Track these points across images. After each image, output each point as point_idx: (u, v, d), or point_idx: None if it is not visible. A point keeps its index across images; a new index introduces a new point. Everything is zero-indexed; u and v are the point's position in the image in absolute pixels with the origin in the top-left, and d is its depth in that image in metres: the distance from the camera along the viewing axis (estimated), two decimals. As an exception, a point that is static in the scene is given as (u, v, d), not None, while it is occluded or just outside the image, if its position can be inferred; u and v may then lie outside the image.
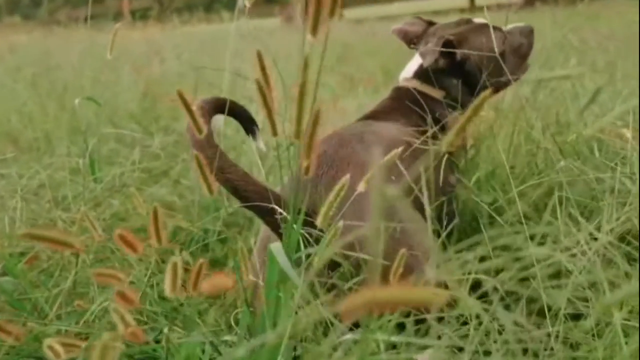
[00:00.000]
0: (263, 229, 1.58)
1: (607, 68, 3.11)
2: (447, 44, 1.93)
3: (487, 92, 0.91)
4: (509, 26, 2.10)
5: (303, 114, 0.82)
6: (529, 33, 2.10)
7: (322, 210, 1.14)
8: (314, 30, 0.90)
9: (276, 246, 1.01)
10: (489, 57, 1.98)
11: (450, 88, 1.97)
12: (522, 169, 1.94)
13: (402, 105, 1.95)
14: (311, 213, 1.39)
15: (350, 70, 3.79)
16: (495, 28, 2.02)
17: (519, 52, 2.07)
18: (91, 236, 1.54)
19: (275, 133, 1.11)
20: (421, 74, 1.98)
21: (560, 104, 2.58)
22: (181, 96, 1.01)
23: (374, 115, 1.94)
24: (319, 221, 1.14)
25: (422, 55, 1.98)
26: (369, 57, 4.24)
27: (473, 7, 14.55)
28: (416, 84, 1.99)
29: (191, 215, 2.32)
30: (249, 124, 1.69)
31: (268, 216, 1.42)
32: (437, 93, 1.97)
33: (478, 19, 2.08)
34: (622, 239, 1.48)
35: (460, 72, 1.98)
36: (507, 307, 1.14)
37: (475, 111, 0.88)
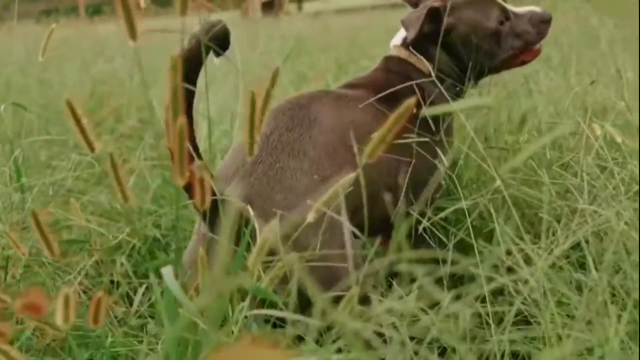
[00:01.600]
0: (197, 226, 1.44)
1: (562, 63, 3.06)
2: (433, 11, 1.80)
3: (410, 100, 0.84)
4: (524, 8, 1.95)
5: (172, 124, 0.74)
6: (539, 22, 1.93)
7: (254, 250, 1.02)
8: (132, 33, 0.81)
9: (167, 271, 0.92)
10: (479, 34, 1.86)
11: (438, 60, 1.83)
12: (473, 175, 1.88)
13: (386, 78, 1.80)
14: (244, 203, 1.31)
15: (304, 67, 3.71)
16: (497, 4, 1.88)
17: (521, 39, 1.91)
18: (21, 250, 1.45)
19: (251, 153, 1.01)
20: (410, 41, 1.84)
21: (514, 102, 2.53)
22: (70, 106, 0.92)
23: (353, 86, 1.79)
24: (250, 260, 1.03)
25: (404, 24, 1.84)
26: (323, 52, 4.16)
27: None
28: (403, 53, 1.86)
29: (133, 223, 2.23)
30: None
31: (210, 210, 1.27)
32: (423, 65, 1.84)
33: None
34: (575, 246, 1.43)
35: (447, 44, 1.84)
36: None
37: (396, 121, 0.81)
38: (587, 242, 1.01)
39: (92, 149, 0.97)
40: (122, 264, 2.00)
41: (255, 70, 3.13)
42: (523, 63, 1.98)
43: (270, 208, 1.34)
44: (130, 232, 2.09)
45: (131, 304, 1.80)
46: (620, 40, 2.73)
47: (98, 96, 3.41)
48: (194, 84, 1.27)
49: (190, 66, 1.27)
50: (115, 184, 1.09)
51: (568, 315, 1.08)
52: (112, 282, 1.99)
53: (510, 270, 0.96)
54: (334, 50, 3.91)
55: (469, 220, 1.29)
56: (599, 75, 2.66)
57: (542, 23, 1.92)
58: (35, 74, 3.96)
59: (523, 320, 1.22)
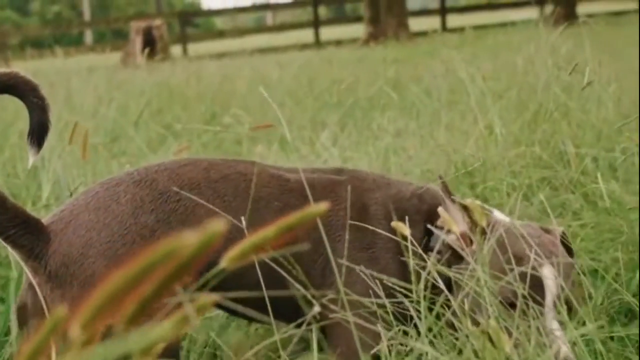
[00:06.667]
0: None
1: (433, 119, 2.97)
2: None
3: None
4: (561, 339, 1.46)
5: None
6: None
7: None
8: None
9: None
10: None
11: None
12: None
13: (386, 193, 1.71)
14: None
15: (171, 118, 3.50)
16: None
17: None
18: None
19: None
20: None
21: (384, 162, 2.41)
22: None
23: (325, 172, 1.75)
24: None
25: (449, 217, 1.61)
26: (195, 101, 3.95)
27: (319, 44, 14.78)
28: (448, 205, 1.63)
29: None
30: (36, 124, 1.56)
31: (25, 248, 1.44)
32: (444, 217, 1.59)
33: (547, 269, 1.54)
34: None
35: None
36: None
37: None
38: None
39: None
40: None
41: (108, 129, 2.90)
42: None
43: (76, 225, 1.45)
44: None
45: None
46: (489, 93, 2.66)
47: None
48: None
49: None
50: None
51: None
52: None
53: None
54: (203, 101, 3.72)
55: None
56: (469, 131, 2.56)
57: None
58: None
59: None
